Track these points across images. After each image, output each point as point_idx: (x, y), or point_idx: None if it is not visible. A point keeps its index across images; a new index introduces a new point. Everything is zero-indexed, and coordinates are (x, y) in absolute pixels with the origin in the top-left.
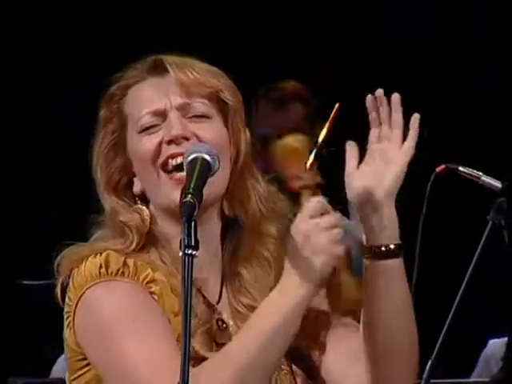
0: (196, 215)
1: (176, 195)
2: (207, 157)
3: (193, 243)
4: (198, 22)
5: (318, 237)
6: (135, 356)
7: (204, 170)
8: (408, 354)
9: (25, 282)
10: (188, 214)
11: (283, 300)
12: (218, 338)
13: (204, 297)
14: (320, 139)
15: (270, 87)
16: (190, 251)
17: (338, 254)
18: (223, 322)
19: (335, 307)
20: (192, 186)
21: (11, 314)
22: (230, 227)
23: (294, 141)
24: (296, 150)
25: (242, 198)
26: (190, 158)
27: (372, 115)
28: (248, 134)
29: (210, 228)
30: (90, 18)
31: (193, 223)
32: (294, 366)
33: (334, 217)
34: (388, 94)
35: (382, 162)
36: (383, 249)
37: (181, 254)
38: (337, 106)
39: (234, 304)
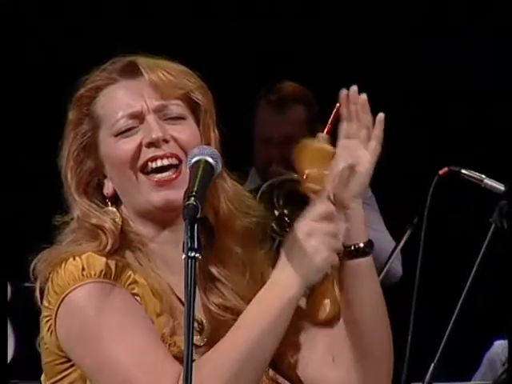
0: (199, 218)
1: (155, 197)
2: (210, 159)
3: (196, 246)
4: (199, 22)
5: (319, 240)
6: (126, 359)
7: (207, 173)
8: (384, 349)
9: (27, 285)
10: (191, 216)
11: (274, 298)
12: (196, 340)
13: (179, 299)
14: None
15: (269, 89)
16: (193, 254)
17: (334, 262)
18: (199, 323)
19: (313, 315)
20: (195, 188)
21: (12, 316)
22: (201, 227)
23: (321, 144)
24: (322, 153)
25: (211, 199)
26: (193, 160)
27: (344, 112)
28: (217, 132)
29: (182, 230)
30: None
31: (195, 226)
32: (270, 369)
33: (337, 226)
34: (389, 95)
35: (350, 162)
36: (353, 248)
37: (184, 256)
38: (337, 106)
39: (206, 304)
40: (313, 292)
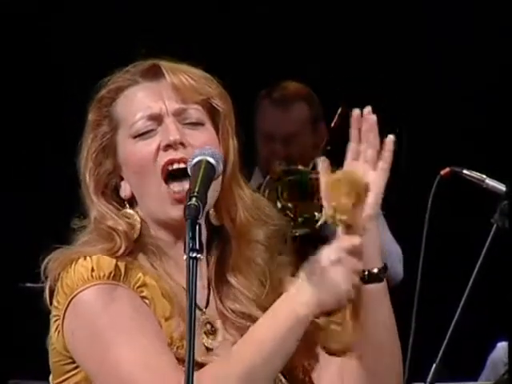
0: (200, 218)
1: (173, 211)
2: (211, 160)
3: (197, 246)
4: (200, 22)
5: (345, 271)
6: (131, 363)
7: (208, 173)
8: (394, 372)
9: (27, 285)
10: (193, 217)
11: (286, 316)
12: (206, 342)
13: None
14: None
15: (273, 87)
16: (194, 254)
17: (350, 296)
18: (212, 325)
19: (328, 344)
20: (197, 189)
21: (13, 316)
22: (217, 236)
23: (344, 173)
24: (348, 182)
25: (228, 208)
26: (195, 160)
27: (354, 132)
28: (236, 141)
29: None
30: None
31: (197, 226)
32: (282, 379)
33: (361, 264)
34: (391, 96)
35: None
36: (366, 273)
37: (185, 257)
38: (340, 108)
39: (222, 310)
40: (325, 321)
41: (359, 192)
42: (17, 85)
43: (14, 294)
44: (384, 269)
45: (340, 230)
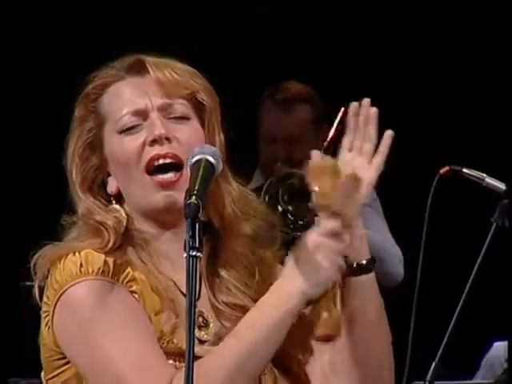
0: (200, 217)
1: (156, 198)
2: (211, 158)
3: (197, 245)
4: (200, 22)
5: (324, 255)
6: (121, 360)
7: (208, 172)
8: (384, 367)
9: (27, 283)
10: (192, 215)
11: (271, 309)
12: (199, 335)
13: (184, 294)
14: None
15: (275, 88)
16: (194, 253)
17: (335, 279)
18: (204, 318)
19: (316, 330)
20: (196, 187)
21: (12, 315)
22: (206, 231)
23: (330, 160)
24: (331, 169)
25: (216, 202)
26: (194, 159)
27: (351, 122)
28: (222, 136)
29: (183, 231)
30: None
31: (197, 225)
32: (276, 371)
33: (343, 244)
34: (391, 95)
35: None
36: (355, 265)
37: (185, 255)
38: (342, 109)
39: (214, 302)
40: (313, 307)
41: (339, 179)
42: (17, 85)
43: (14, 292)
44: (372, 260)
45: (321, 215)
